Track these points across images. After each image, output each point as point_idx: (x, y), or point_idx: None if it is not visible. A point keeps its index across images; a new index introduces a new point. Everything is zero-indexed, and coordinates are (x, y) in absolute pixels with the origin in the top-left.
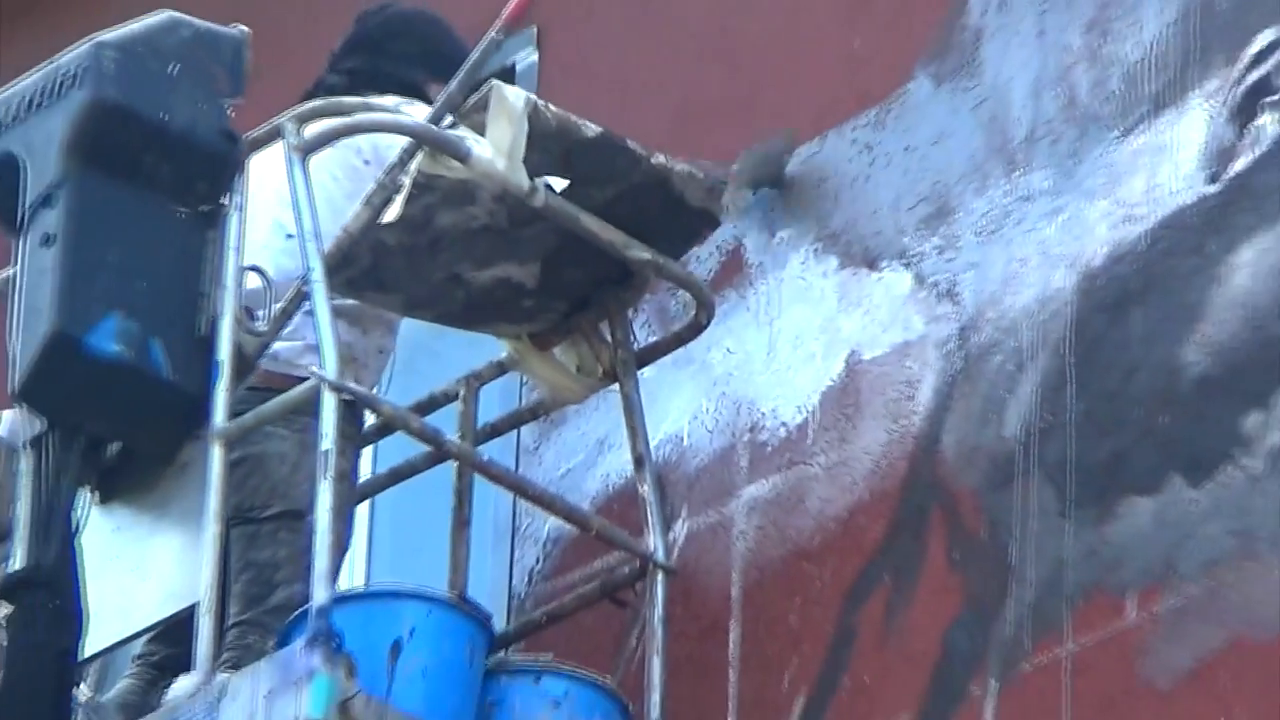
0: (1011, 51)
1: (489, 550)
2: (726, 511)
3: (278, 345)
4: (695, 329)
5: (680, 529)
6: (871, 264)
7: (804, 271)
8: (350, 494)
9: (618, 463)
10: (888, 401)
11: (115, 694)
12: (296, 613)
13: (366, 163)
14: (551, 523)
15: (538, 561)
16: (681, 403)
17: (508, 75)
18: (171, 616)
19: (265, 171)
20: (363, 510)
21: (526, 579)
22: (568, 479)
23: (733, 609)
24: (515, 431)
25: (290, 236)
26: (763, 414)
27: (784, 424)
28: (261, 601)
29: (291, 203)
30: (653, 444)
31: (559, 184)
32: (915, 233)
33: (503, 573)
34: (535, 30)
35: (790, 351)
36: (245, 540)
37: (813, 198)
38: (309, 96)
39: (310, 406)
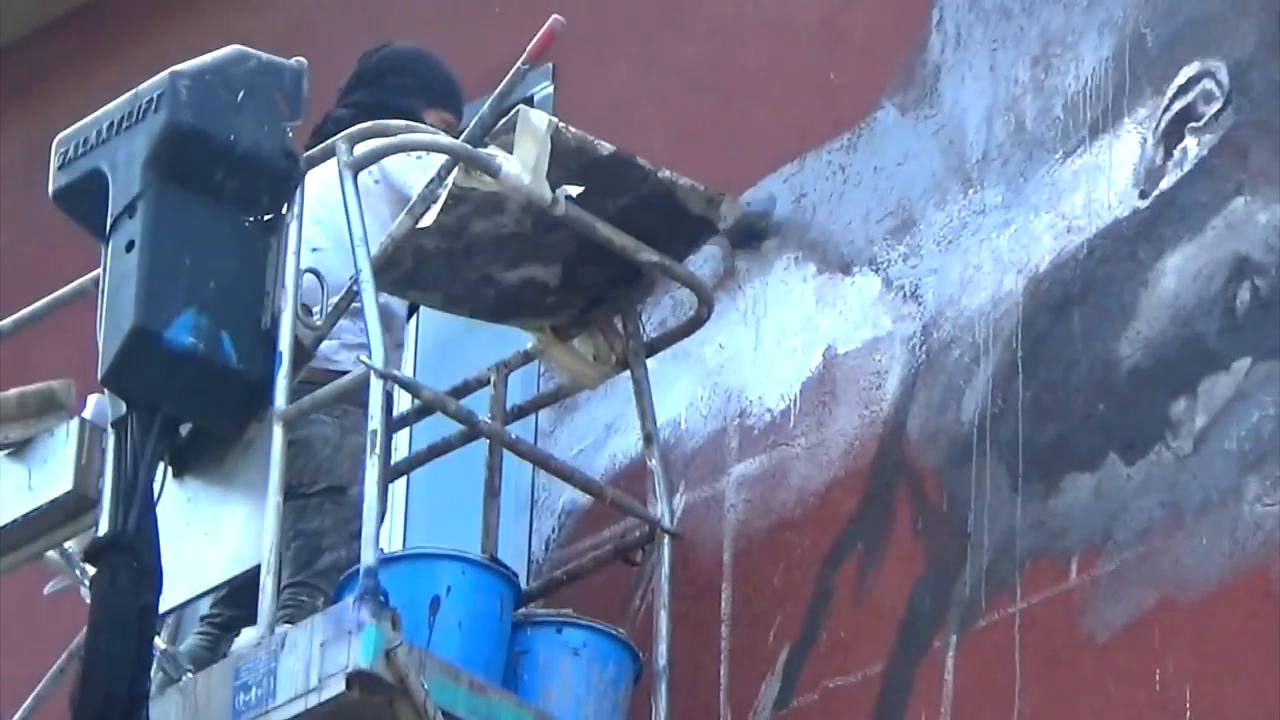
0: (967, 84)
1: (511, 521)
2: (719, 487)
3: None
4: (697, 322)
5: (679, 502)
6: (845, 269)
7: (786, 276)
8: (387, 469)
9: (623, 444)
10: (860, 390)
11: (184, 649)
12: (346, 573)
13: (376, 182)
14: (566, 496)
15: (554, 531)
16: (679, 392)
17: (526, 104)
18: (238, 576)
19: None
20: (401, 483)
21: (544, 546)
22: (580, 458)
23: (724, 572)
24: (534, 417)
25: (316, 250)
26: (750, 401)
27: (769, 410)
28: (310, 565)
29: (343, 213)
30: None
31: (576, 191)
32: (883, 242)
33: (523, 540)
34: (551, 66)
35: (774, 346)
36: (295, 513)
37: (794, 212)
38: (319, 128)
39: (351, 395)
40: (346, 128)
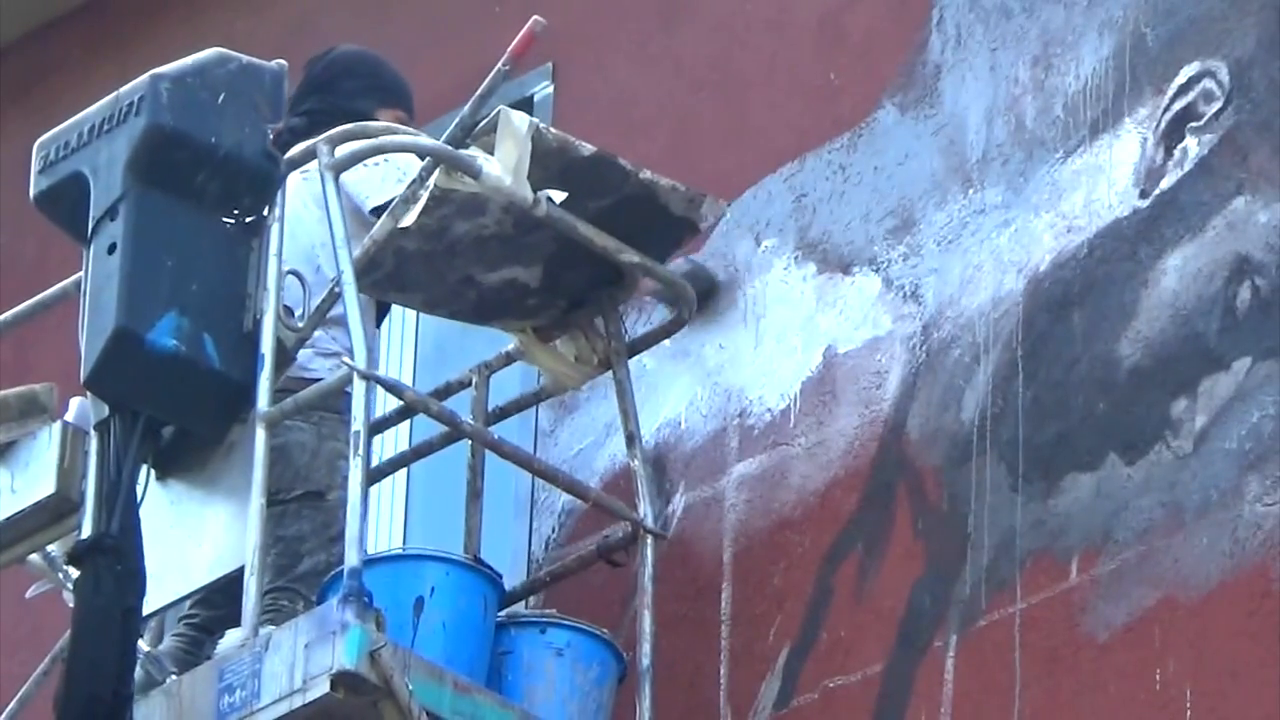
0: (967, 83)
1: (510, 520)
2: (719, 487)
3: None
4: (678, 324)
5: (678, 502)
6: (845, 269)
7: (786, 276)
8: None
9: (623, 443)
10: (860, 390)
11: (163, 651)
12: (330, 574)
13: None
14: (565, 496)
15: (553, 530)
16: (679, 392)
17: (526, 104)
18: (222, 577)
19: None
20: (401, 484)
21: (544, 546)
22: (580, 457)
23: (724, 572)
24: (534, 416)
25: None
26: (750, 401)
27: (769, 410)
28: (290, 570)
29: (301, 223)
30: (653, 428)
31: (558, 196)
32: (883, 242)
33: (523, 540)
34: (551, 65)
35: (774, 346)
36: (274, 519)
37: (794, 212)
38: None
39: (331, 399)
40: (303, 138)
